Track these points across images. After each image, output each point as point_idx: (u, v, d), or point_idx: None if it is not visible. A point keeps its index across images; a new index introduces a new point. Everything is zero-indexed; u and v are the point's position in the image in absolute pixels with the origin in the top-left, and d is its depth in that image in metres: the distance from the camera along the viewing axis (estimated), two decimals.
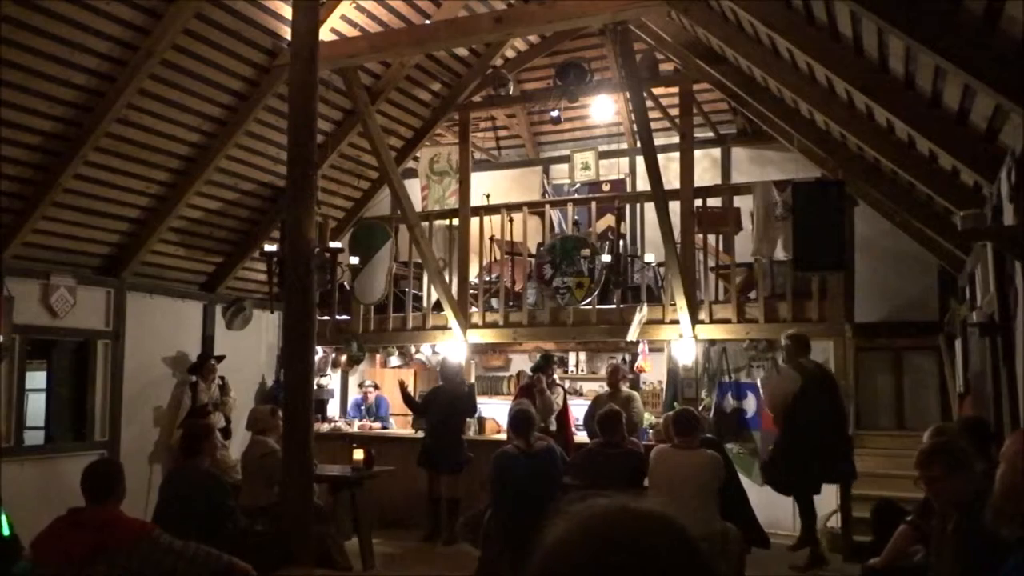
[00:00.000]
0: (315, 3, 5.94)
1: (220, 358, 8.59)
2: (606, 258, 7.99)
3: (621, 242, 8.53)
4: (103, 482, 3.47)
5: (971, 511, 2.87)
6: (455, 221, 8.96)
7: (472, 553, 6.05)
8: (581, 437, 7.87)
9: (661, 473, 5.28)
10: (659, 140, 8.04)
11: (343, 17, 7.57)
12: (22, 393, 7.13)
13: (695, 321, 7.52)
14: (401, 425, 9.82)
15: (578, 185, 10.08)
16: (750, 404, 7.81)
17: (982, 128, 4.27)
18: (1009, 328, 4.45)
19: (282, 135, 6.86)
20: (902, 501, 5.12)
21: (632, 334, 7.61)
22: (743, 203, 7.83)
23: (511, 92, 9.20)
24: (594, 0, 6.42)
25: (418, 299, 9.20)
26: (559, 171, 10.63)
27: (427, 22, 7.92)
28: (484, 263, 8.93)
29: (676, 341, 7.78)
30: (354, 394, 10.22)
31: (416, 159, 10.20)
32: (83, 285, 7.61)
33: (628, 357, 9.09)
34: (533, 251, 8.60)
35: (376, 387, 9.93)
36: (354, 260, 8.28)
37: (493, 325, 8.50)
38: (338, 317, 9.26)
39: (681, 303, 7.40)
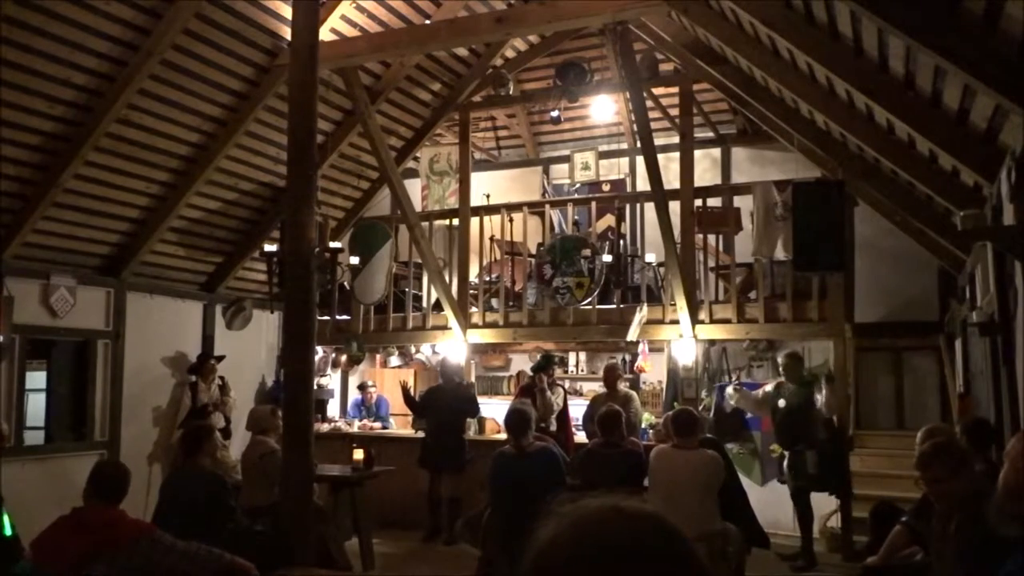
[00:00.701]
0: (315, 3, 5.94)
1: (220, 358, 8.59)
2: (606, 258, 7.99)
3: (621, 242, 8.53)
4: (113, 483, 3.48)
5: (972, 511, 2.87)
6: (455, 221, 8.96)
7: (472, 553, 6.05)
8: (581, 437, 7.87)
9: (661, 473, 5.27)
10: (659, 140, 8.04)
11: (343, 17, 7.56)
12: (22, 393, 7.13)
13: (695, 321, 7.52)
14: (401, 425, 9.81)
15: (578, 185, 10.08)
16: None
17: (982, 128, 4.27)
18: (1009, 328, 4.45)
19: (282, 135, 6.86)
20: (902, 501, 5.12)
21: (632, 334, 7.61)
22: (743, 203, 7.83)
23: (511, 92, 9.20)
24: (594, 0, 6.42)
25: (418, 299, 9.20)
26: (559, 171, 10.63)
27: (427, 22, 7.92)
28: (484, 263, 8.93)
29: (676, 341, 7.78)
30: (354, 394, 10.22)
31: (416, 159, 10.20)
32: (83, 285, 7.61)
33: (628, 357, 9.10)
34: (533, 251, 8.60)
35: (361, 387, 9.90)
36: (354, 260, 8.29)
37: (493, 325, 8.50)
38: (338, 317, 9.27)
39: (681, 303, 7.40)
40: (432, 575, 6.68)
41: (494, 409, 8.90)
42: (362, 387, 9.84)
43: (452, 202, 9.50)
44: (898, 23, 3.66)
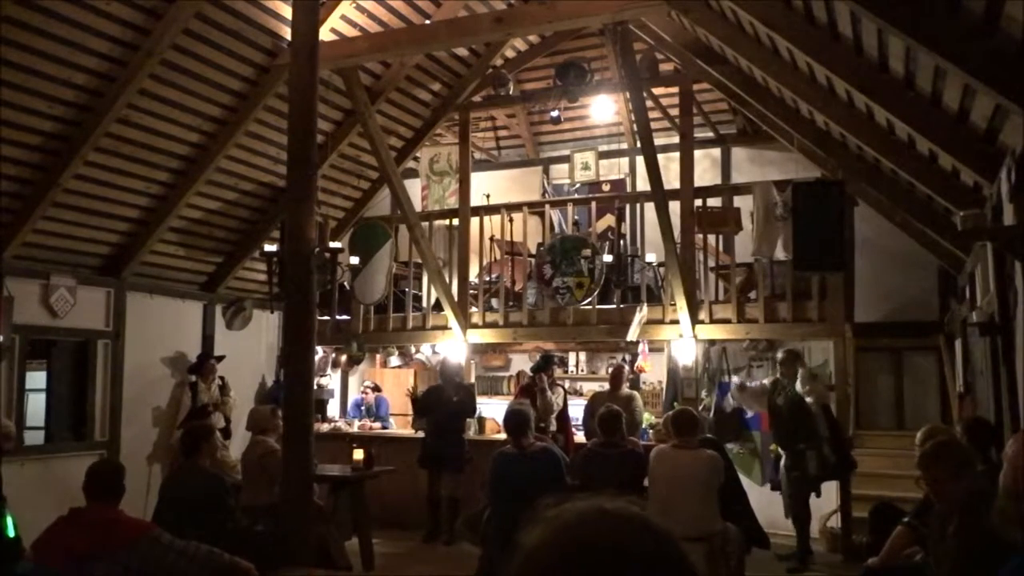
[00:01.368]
0: (315, 3, 5.94)
1: (220, 358, 8.59)
2: (606, 258, 7.99)
3: (621, 242, 8.52)
4: (104, 482, 3.48)
5: (972, 512, 2.87)
6: (455, 221, 8.96)
7: (472, 553, 6.05)
8: (581, 437, 7.87)
9: (661, 473, 5.27)
10: (659, 140, 8.03)
11: (343, 17, 7.56)
12: (22, 393, 7.13)
13: (695, 321, 7.51)
14: (401, 425, 9.82)
15: (578, 185, 10.08)
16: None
17: (982, 128, 4.27)
18: (1009, 328, 4.45)
19: (282, 135, 6.85)
20: (902, 501, 5.13)
21: (632, 334, 7.61)
22: (743, 203, 7.83)
23: (511, 92, 9.20)
24: (594, 0, 6.42)
25: (418, 299, 9.20)
26: (559, 171, 10.63)
27: (427, 22, 7.92)
28: (484, 263, 8.93)
29: (676, 341, 7.78)
30: (354, 394, 10.22)
31: (416, 159, 10.20)
32: (83, 285, 7.61)
33: (628, 357, 9.09)
34: (533, 251, 8.60)
35: (377, 388, 9.92)
36: (354, 260, 8.29)
37: (493, 325, 8.50)
38: (338, 317, 9.27)
39: (681, 303, 7.40)
40: (432, 575, 6.67)
41: (494, 409, 8.91)
42: (376, 388, 9.85)
43: (452, 202, 9.50)
44: (898, 23, 3.66)
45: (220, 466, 6.60)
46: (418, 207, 9.60)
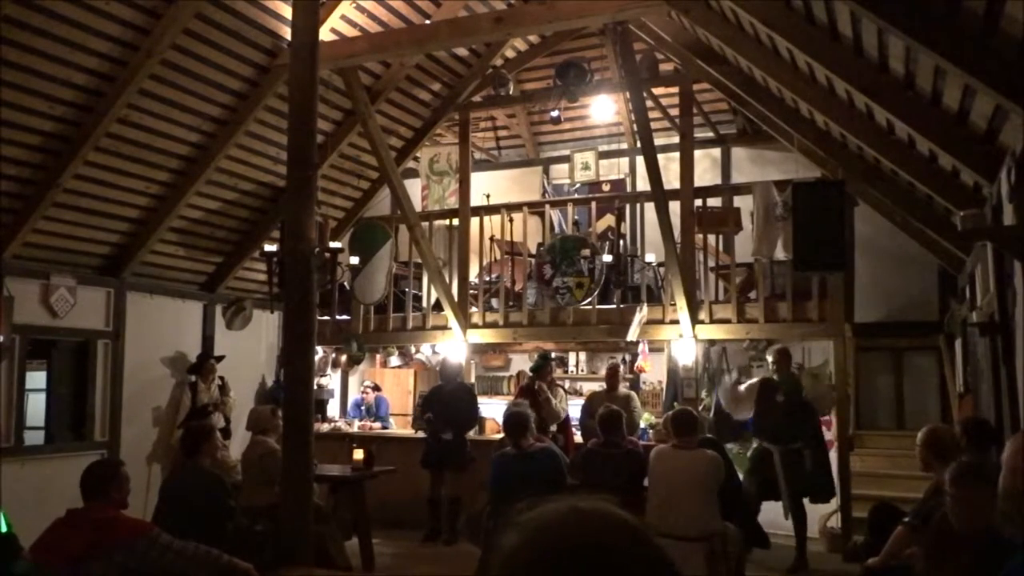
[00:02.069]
0: (315, 3, 5.93)
1: (220, 358, 8.59)
2: (606, 258, 7.99)
3: (621, 242, 8.53)
4: (95, 482, 3.48)
5: (992, 535, 2.80)
6: (455, 221, 8.96)
7: (472, 552, 6.05)
8: (579, 436, 7.87)
9: (661, 473, 5.28)
10: (659, 140, 8.04)
11: (343, 17, 7.56)
12: (22, 393, 7.12)
13: (695, 321, 7.51)
14: (401, 425, 9.83)
15: (578, 185, 10.08)
16: None
17: (982, 128, 4.27)
18: (1009, 328, 4.46)
19: (282, 135, 6.85)
20: (902, 501, 5.12)
21: (632, 334, 7.61)
22: (743, 203, 7.84)
23: (511, 92, 9.20)
24: (594, 0, 6.42)
25: (418, 299, 9.20)
26: (559, 171, 10.63)
27: (427, 22, 7.91)
28: (484, 263, 8.93)
29: (676, 341, 7.78)
30: (354, 394, 10.22)
31: (416, 159, 10.20)
32: (83, 285, 7.61)
33: (628, 357, 9.09)
34: (533, 251, 8.60)
35: (377, 388, 9.93)
36: (354, 260, 8.28)
37: (493, 325, 8.50)
38: (338, 317, 9.27)
39: (681, 303, 7.40)
40: (432, 575, 6.67)
41: (494, 409, 8.91)
42: (376, 388, 9.85)
43: (452, 202, 9.50)
44: (898, 23, 3.66)
45: (220, 466, 6.60)
46: (418, 207, 9.60)
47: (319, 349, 8.77)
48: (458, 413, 7.80)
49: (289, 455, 5.41)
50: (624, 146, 10.52)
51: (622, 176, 10.45)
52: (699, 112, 9.12)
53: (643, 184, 8.87)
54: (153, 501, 5.19)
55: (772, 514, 6.85)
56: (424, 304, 9.08)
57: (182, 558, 3.40)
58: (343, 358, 9.70)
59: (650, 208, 7.87)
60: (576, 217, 8.70)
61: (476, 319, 8.58)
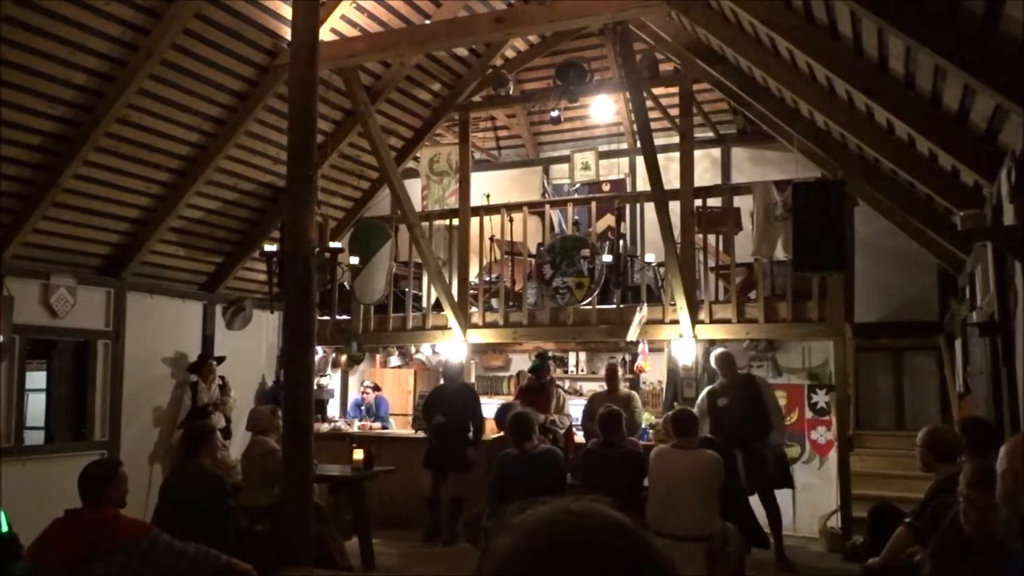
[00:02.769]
0: (315, 3, 5.94)
1: (220, 359, 8.59)
2: (606, 258, 7.98)
3: (621, 242, 8.52)
4: (92, 483, 3.48)
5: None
6: (455, 221, 8.96)
7: (472, 553, 6.05)
8: (580, 437, 7.87)
9: (661, 473, 5.28)
10: (659, 140, 8.04)
11: (343, 17, 7.56)
12: (22, 393, 7.13)
13: (695, 321, 7.51)
14: (401, 425, 9.83)
15: (578, 185, 10.08)
16: None
17: (982, 128, 4.27)
18: (1009, 328, 4.46)
19: (282, 135, 6.86)
20: (901, 501, 5.12)
21: (632, 334, 7.61)
22: (743, 203, 7.83)
23: (511, 92, 9.19)
24: (594, 0, 6.42)
25: (418, 299, 9.20)
26: (559, 171, 10.63)
27: (427, 22, 7.91)
28: (484, 263, 8.92)
29: (676, 341, 7.78)
30: (354, 394, 10.22)
31: (416, 159, 10.20)
32: (83, 285, 7.61)
33: (628, 357, 9.09)
34: (533, 251, 8.59)
35: (377, 388, 9.93)
36: (354, 260, 8.29)
37: (493, 325, 8.50)
38: (338, 317, 9.27)
39: (681, 303, 7.40)
40: (432, 575, 6.67)
41: (494, 409, 8.91)
42: (376, 388, 9.85)
43: (452, 202, 9.50)
44: (898, 23, 3.67)
45: (220, 466, 6.60)
46: (418, 207, 9.60)
47: (319, 349, 8.78)
48: (464, 414, 7.79)
49: (289, 455, 5.41)
50: (624, 146, 10.52)
51: (622, 176, 10.45)
52: (699, 112, 9.12)
53: (643, 184, 8.87)
54: (153, 501, 5.19)
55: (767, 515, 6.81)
56: (424, 304, 9.07)
57: (182, 558, 3.40)
58: (343, 358, 9.70)
59: (650, 208, 7.87)
60: (576, 217, 8.70)
61: (476, 319, 8.58)
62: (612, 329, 7.88)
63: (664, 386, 8.86)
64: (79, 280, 7.57)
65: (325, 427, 9.05)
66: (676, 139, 8.19)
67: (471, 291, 8.75)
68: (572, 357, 10.28)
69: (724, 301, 7.76)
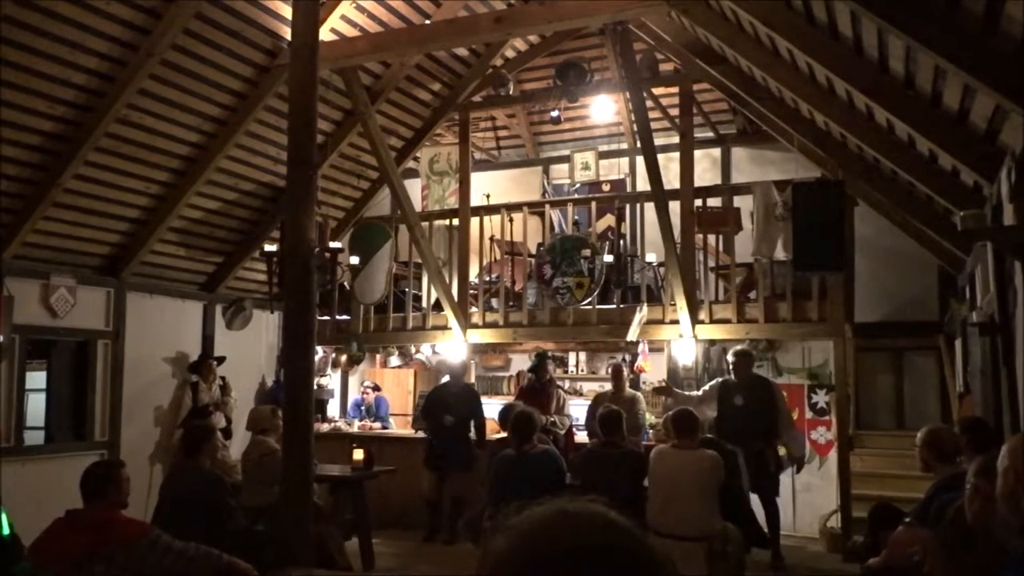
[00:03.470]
0: (315, 3, 5.94)
1: (220, 359, 8.59)
2: (606, 258, 7.98)
3: (621, 242, 8.52)
4: (95, 483, 3.48)
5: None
6: (455, 221, 8.96)
7: (473, 552, 6.05)
8: (581, 437, 7.88)
9: (661, 473, 5.28)
10: (659, 140, 8.03)
11: (343, 17, 7.56)
12: (22, 393, 7.13)
13: (695, 321, 7.51)
14: (401, 425, 9.83)
15: (578, 185, 10.08)
16: None
17: (982, 128, 4.27)
18: (1009, 328, 4.46)
19: (282, 135, 6.86)
20: (901, 501, 5.12)
21: (632, 334, 7.61)
22: (743, 203, 7.83)
23: (511, 92, 9.19)
24: (594, 0, 6.42)
25: (418, 299, 9.20)
26: (559, 171, 10.63)
27: (427, 22, 7.91)
28: (484, 263, 8.92)
29: (676, 341, 7.78)
30: (354, 394, 10.22)
31: (416, 159, 10.20)
32: (83, 285, 7.61)
33: (628, 357, 9.09)
34: (533, 251, 8.59)
35: (377, 388, 9.93)
36: (354, 260, 8.29)
37: (493, 325, 8.49)
38: (338, 317, 9.27)
39: (681, 303, 7.40)
40: (432, 575, 6.67)
41: (494, 409, 8.91)
42: (376, 388, 9.86)
43: (452, 202, 9.50)
44: (898, 23, 3.66)
45: (220, 466, 6.60)
46: (418, 207, 9.60)
47: (319, 349, 8.77)
48: (466, 414, 7.79)
49: (289, 455, 5.41)
50: (624, 146, 10.52)
51: (622, 176, 10.45)
52: (699, 112, 9.12)
53: (643, 184, 8.87)
54: (153, 501, 5.19)
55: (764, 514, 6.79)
56: (424, 304, 9.07)
57: (182, 559, 3.40)
58: (343, 358, 9.70)
59: (650, 208, 7.87)
60: (576, 217, 8.70)
61: (476, 319, 8.58)
62: (612, 329, 7.88)
63: None
64: (79, 280, 7.57)
65: (325, 427, 9.05)
66: (676, 139, 8.19)
67: (471, 291, 8.75)
68: (572, 357, 10.28)
69: (724, 301, 7.76)
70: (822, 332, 7.32)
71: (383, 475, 7.13)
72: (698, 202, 7.72)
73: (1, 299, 6.77)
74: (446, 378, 8.27)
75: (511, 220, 8.57)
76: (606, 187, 10.23)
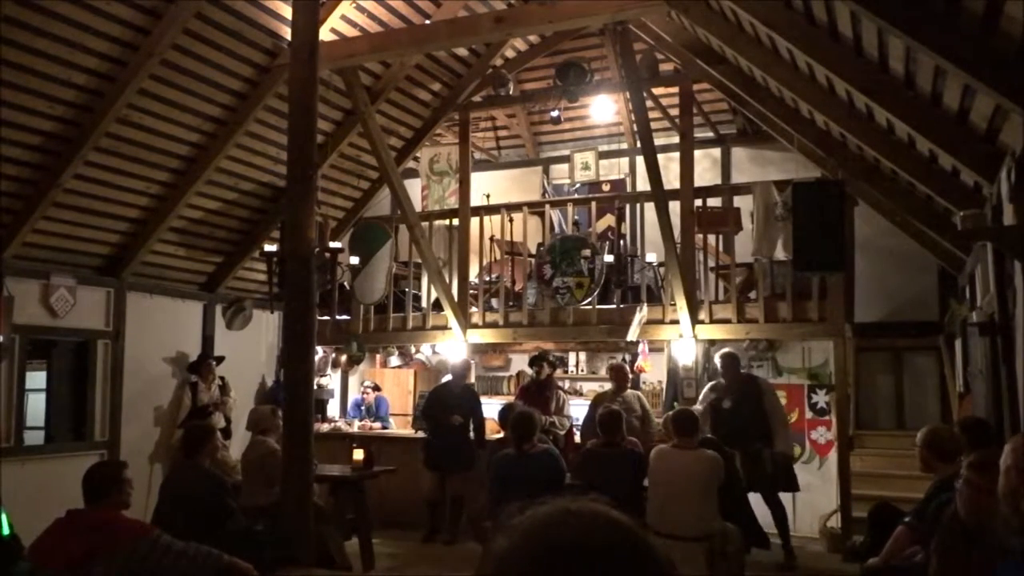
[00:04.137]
0: (315, 3, 5.94)
1: (219, 359, 8.59)
2: (606, 258, 7.98)
3: (621, 242, 8.52)
4: (97, 484, 3.48)
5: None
6: (455, 221, 8.96)
7: (473, 552, 6.05)
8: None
9: (661, 473, 5.28)
10: (659, 140, 8.04)
11: (343, 17, 7.56)
12: (22, 393, 7.13)
13: (695, 321, 7.51)
14: (401, 425, 9.83)
15: (578, 185, 10.08)
16: None
17: (982, 128, 4.27)
18: (1009, 328, 4.46)
19: (282, 135, 6.86)
20: (901, 501, 5.12)
21: (632, 334, 7.61)
22: (743, 203, 7.83)
23: (511, 92, 9.19)
24: (594, 0, 6.42)
25: (418, 299, 9.20)
26: (559, 171, 10.63)
27: (427, 22, 7.92)
28: (484, 263, 8.92)
29: (676, 341, 7.78)
30: (354, 394, 10.22)
31: (416, 159, 10.20)
32: (83, 285, 7.61)
33: (628, 357, 9.09)
34: (533, 251, 8.59)
35: (377, 388, 9.93)
36: (354, 260, 8.28)
37: (493, 325, 8.50)
38: (338, 317, 9.27)
39: (681, 303, 7.40)
40: (432, 575, 6.67)
41: (494, 409, 8.91)
42: (376, 388, 9.86)
43: (452, 202, 9.50)
44: (898, 23, 3.66)
45: (220, 466, 6.61)
46: (418, 207, 9.60)
47: (319, 349, 8.78)
48: (468, 414, 7.79)
49: (289, 455, 5.41)
50: (624, 146, 10.52)
51: (622, 176, 10.45)
52: (699, 112, 9.12)
53: (643, 184, 8.87)
54: (154, 501, 5.19)
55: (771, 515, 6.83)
56: (424, 304, 9.07)
57: (183, 559, 3.40)
58: (343, 358, 9.70)
59: (650, 208, 7.87)
60: (576, 217, 8.70)
61: (476, 319, 8.58)
62: (612, 329, 7.88)
63: (664, 386, 8.86)
64: (79, 280, 7.57)
65: (325, 427, 9.05)
66: (676, 139, 8.19)
67: (471, 291, 8.75)
68: (572, 357, 10.28)
69: (724, 301, 7.76)
70: (822, 332, 7.32)
71: (383, 475, 7.13)
72: (698, 202, 7.72)
73: (1, 299, 6.77)
74: (447, 378, 8.26)
75: (511, 220, 8.57)
76: (606, 187, 10.23)
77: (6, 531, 3.37)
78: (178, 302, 8.68)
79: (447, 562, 6.89)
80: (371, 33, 7.69)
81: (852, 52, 4.75)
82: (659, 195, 7.24)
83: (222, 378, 8.52)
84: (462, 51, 8.82)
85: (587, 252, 7.99)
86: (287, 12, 6.51)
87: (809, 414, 8.46)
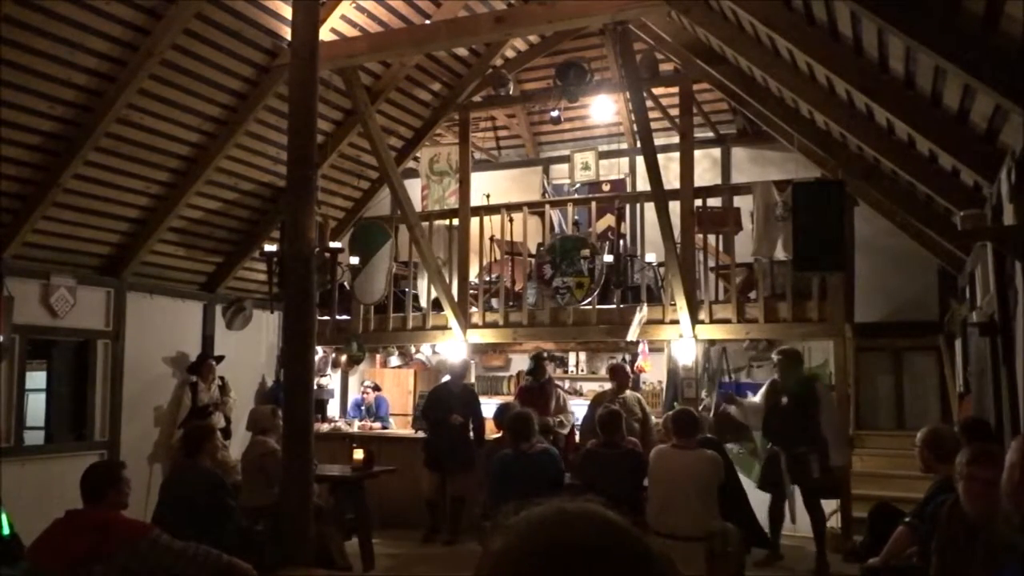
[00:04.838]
0: (315, 3, 5.94)
1: (219, 358, 8.59)
2: (606, 258, 7.98)
3: (621, 242, 8.52)
4: (95, 484, 3.48)
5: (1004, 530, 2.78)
6: (455, 221, 8.96)
7: (473, 552, 6.04)
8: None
9: (661, 473, 5.28)
10: (659, 140, 8.03)
11: (343, 17, 7.57)
12: (22, 393, 7.13)
13: (695, 321, 7.51)
14: (401, 425, 9.83)
15: (578, 185, 10.08)
16: None
17: (982, 128, 4.27)
18: (1009, 328, 4.46)
19: (282, 135, 6.86)
20: (901, 501, 5.13)
21: (632, 334, 7.61)
22: (743, 203, 7.83)
23: (511, 92, 9.20)
24: (594, 0, 6.42)
25: (418, 299, 9.20)
26: (559, 171, 10.63)
27: (427, 22, 7.92)
28: (484, 263, 8.92)
29: (676, 341, 7.78)
30: (354, 394, 10.22)
31: (416, 159, 10.20)
32: (83, 285, 7.61)
33: (628, 357, 9.09)
34: (533, 251, 8.59)
35: (377, 388, 9.93)
36: (354, 260, 8.27)
37: (493, 325, 8.49)
38: (338, 317, 9.26)
39: (681, 303, 7.40)
40: (432, 575, 6.68)
41: (493, 409, 8.91)
42: (376, 388, 9.86)
43: (452, 202, 9.50)
44: (898, 23, 3.66)
45: (220, 466, 6.60)
46: (418, 207, 9.60)
47: (319, 349, 8.77)
48: (468, 414, 7.78)
49: (289, 455, 5.41)
50: (624, 146, 10.52)
51: (622, 176, 10.45)
52: (699, 112, 9.12)
53: (643, 184, 8.87)
54: (153, 501, 5.20)
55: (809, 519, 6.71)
56: (424, 304, 9.07)
57: (182, 559, 3.40)
58: (343, 358, 9.69)
59: (650, 208, 7.87)
60: (576, 217, 8.70)
61: (476, 319, 8.58)
62: (612, 329, 7.88)
63: (664, 386, 8.86)
64: (79, 280, 7.57)
65: (325, 427, 9.05)
66: (676, 139, 8.19)
67: (471, 291, 8.75)
68: (572, 357, 10.28)
69: (724, 301, 7.76)
70: (822, 332, 7.31)
71: (383, 475, 7.13)
72: (698, 202, 7.72)
73: (1, 299, 6.77)
74: (446, 378, 8.26)
75: (511, 220, 8.57)
76: (606, 187, 10.23)
77: (6, 531, 3.37)
78: (178, 302, 8.68)
79: (447, 562, 6.89)
80: (371, 33, 7.69)
81: (852, 52, 4.75)
82: (659, 195, 7.24)
83: (222, 378, 8.52)
84: (462, 51, 8.82)
85: (587, 252, 7.99)
86: (287, 12, 6.51)
87: None
